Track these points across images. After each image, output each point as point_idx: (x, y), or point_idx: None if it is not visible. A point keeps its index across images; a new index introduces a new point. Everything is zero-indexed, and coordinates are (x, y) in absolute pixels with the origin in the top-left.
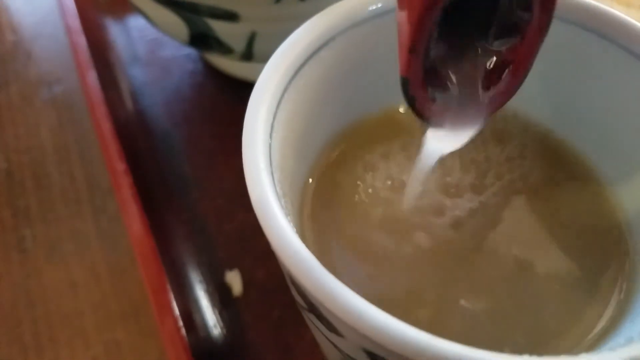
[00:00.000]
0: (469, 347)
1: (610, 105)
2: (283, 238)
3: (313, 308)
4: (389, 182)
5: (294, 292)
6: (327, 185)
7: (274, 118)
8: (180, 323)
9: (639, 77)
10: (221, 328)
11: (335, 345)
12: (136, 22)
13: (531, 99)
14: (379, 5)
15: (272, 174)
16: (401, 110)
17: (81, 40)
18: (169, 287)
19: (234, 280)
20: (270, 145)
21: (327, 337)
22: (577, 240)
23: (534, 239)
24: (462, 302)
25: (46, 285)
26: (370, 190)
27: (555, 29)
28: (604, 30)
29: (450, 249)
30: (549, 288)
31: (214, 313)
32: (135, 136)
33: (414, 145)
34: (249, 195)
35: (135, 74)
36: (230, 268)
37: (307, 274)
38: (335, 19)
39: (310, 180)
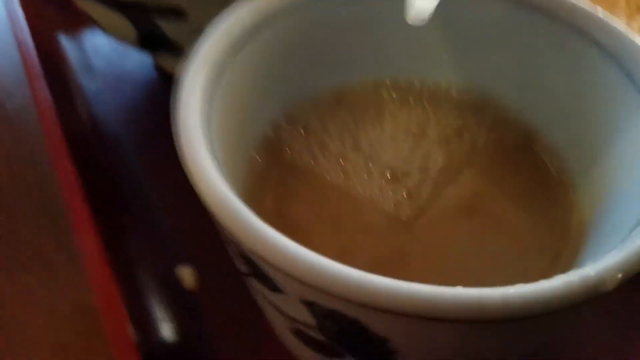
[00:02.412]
0: (411, 283)
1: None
2: (215, 191)
3: (252, 266)
4: (342, 161)
5: (235, 257)
6: (276, 164)
7: (214, 88)
8: (129, 321)
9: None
10: (175, 323)
11: (279, 310)
12: (90, 36)
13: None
14: None
15: (210, 139)
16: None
17: (32, 53)
18: (116, 284)
19: (189, 275)
20: (208, 114)
21: (270, 302)
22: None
23: (485, 202)
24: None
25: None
26: (322, 168)
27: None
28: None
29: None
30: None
31: (168, 309)
32: (87, 141)
33: (368, 121)
34: (181, 155)
35: (89, 85)
36: (184, 263)
37: (239, 222)
38: None
39: (258, 157)
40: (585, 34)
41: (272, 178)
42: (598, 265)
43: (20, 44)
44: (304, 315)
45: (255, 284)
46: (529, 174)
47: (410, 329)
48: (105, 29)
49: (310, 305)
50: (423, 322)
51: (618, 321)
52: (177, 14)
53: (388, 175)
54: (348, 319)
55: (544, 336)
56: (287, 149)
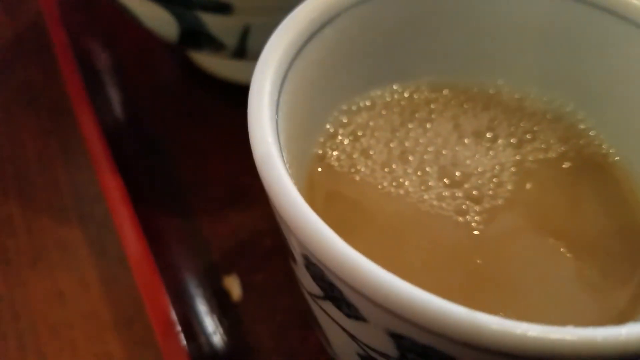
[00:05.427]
0: (512, 320)
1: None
2: (302, 216)
3: (332, 292)
4: (400, 161)
5: (306, 281)
6: (335, 167)
7: (279, 94)
8: (179, 330)
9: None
10: (221, 334)
11: (352, 336)
12: (125, 31)
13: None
14: None
15: (280, 150)
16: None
17: (67, 52)
18: (165, 293)
19: (233, 284)
20: (277, 122)
21: (343, 328)
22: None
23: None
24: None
25: (31, 296)
26: (379, 170)
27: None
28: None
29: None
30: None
31: (214, 319)
32: (123, 141)
33: (422, 120)
34: (259, 173)
35: (125, 81)
36: (228, 272)
37: (329, 249)
38: None
39: (320, 169)
40: None
41: (329, 188)
42: None
43: (53, 38)
44: (386, 346)
45: (328, 308)
46: (602, 189)
47: None
48: (145, 23)
49: (397, 337)
50: None
51: None
52: (222, 8)
53: (446, 180)
54: (442, 356)
55: None
56: (340, 155)
